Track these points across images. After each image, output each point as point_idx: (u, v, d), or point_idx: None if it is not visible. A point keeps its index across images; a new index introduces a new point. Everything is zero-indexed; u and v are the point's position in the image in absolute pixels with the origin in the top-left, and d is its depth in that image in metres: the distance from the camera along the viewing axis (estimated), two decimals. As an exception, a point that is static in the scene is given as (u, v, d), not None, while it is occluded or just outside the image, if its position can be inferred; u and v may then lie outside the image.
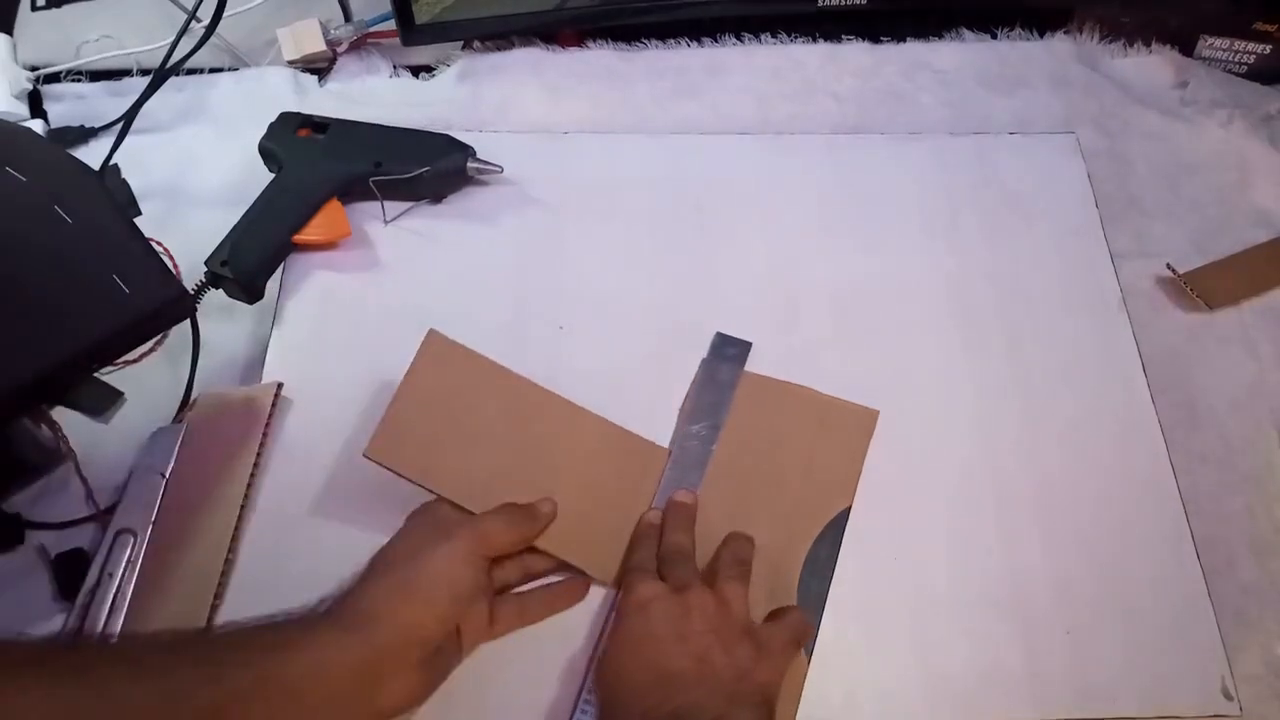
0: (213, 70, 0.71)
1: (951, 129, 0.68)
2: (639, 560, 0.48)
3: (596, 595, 0.49)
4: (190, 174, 0.65)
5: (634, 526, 0.51)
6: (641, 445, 0.53)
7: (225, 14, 0.62)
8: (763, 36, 0.73)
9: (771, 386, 0.55)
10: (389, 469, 0.48)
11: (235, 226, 0.58)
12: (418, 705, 0.44)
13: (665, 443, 0.54)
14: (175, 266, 0.58)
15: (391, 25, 0.68)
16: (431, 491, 0.48)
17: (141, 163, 0.61)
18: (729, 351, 0.57)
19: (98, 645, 0.40)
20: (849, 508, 0.52)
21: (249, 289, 0.57)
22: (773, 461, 0.53)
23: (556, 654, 0.48)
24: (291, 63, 0.71)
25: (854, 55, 0.72)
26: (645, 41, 0.73)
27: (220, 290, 0.58)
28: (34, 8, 0.74)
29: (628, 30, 0.72)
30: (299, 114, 0.64)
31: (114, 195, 0.51)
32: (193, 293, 0.56)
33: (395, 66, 0.72)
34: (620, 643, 0.45)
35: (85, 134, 0.66)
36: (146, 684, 0.36)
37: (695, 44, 0.73)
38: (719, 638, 0.43)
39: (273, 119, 0.63)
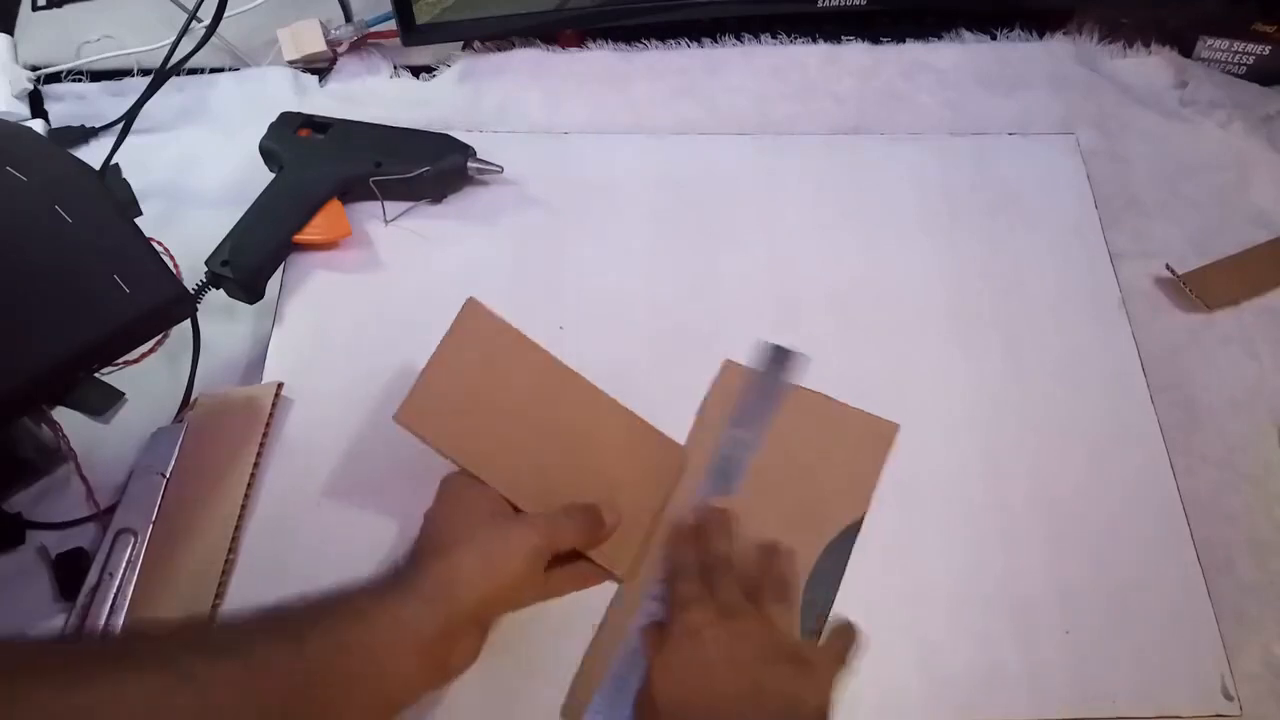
0: (213, 70, 0.71)
1: (951, 129, 0.68)
2: (684, 580, 0.48)
3: (604, 586, 0.50)
4: (191, 174, 0.65)
5: (648, 521, 0.51)
6: (662, 441, 0.53)
7: (226, 14, 0.62)
8: (763, 36, 0.73)
9: (801, 396, 0.56)
10: (416, 435, 0.47)
11: (235, 226, 0.58)
12: (474, 662, 0.44)
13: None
14: (175, 266, 0.58)
15: (392, 25, 0.68)
16: (454, 463, 0.48)
17: (142, 163, 0.61)
18: (784, 363, 0.56)
19: (177, 629, 0.40)
20: (862, 518, 0.52)
21: (249, 289, 0.57)
22: (792, 468, 0.53)
23: (556, 646, 0.48)
24: (292, 63, 0.71)
25: (854, 55, 0.72)
26: (645, 41, 0.73)
27: (220, 290, 0.58)
28: (34, 8, 0.74)
29: (628, 30, 0.73)
30: (299, 114, 0.64)
31: (114, 195, 0.51)
32: (193, 293, 0.56)
33: (395, 66, 0.72)
34: (671, 668, 0.45)
35: (86, 134, 0.66)
36: (228, 661, 0.36)
37: (695, 44, 0.73)
38: (770, 665, 0.44)
39: (273, 119, 0.63)
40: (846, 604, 0.50)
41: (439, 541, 0.44)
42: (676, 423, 0.54)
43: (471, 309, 0.51)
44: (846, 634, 0.47)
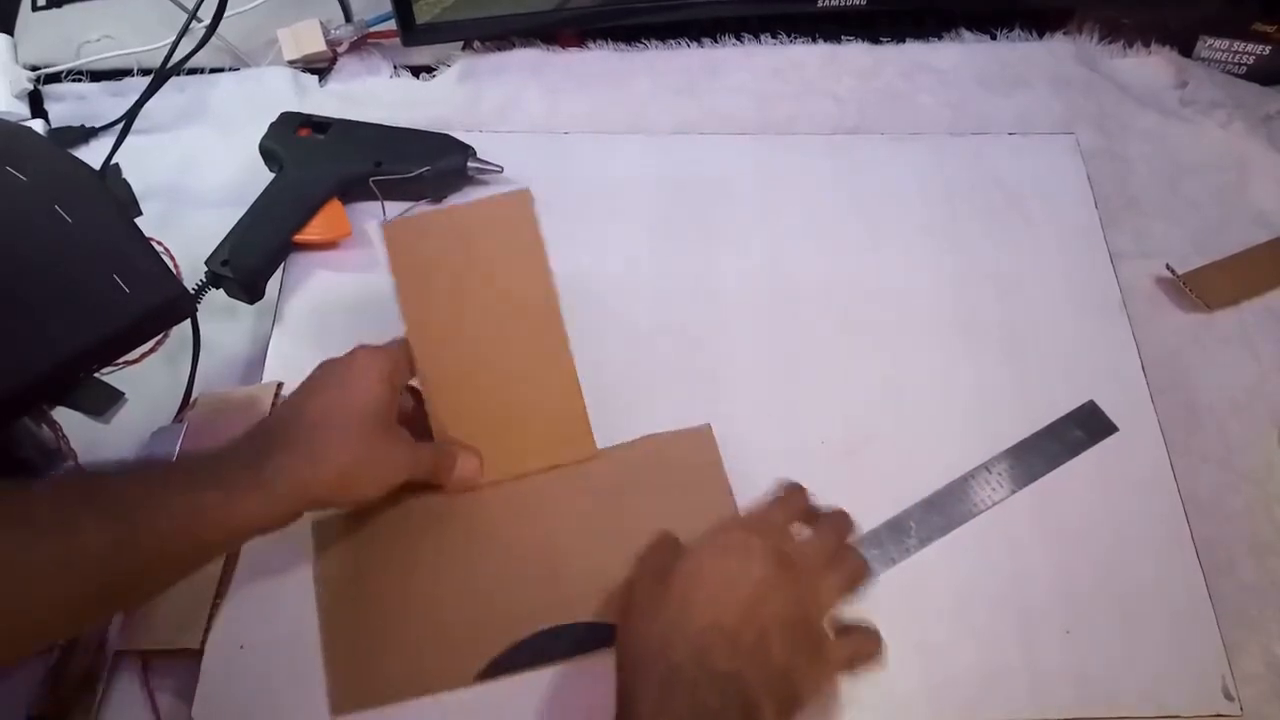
0: (213, 70, 0.71)
1: (951, 129, 0.68)
2: (759, 510, 0.47)
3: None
4: (191, 174, 0.65)
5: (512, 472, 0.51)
6: (579, 427, 0.52)
7: (226, 14, 0.62)
8: (763, 36, 0.73)
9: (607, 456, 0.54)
10: (389, 252, 0.49)
11: (235, 226, 0.58)
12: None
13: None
14: (176, 266, 0.58)
15: (392, 25, 0.68)
16: (400, 310, 0.49)
17: (142, 163, 0.61)
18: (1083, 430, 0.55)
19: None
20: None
21: (249, 289, 0.57)
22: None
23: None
24: (292, 63, 0.71)
25: (854, 55, 0.72)
26: (645, 41, 0.73)
27: (220, 290, 0.58)
28: (34, 8, 0.74)
29: (628, 30, 0.73)
30: (299, 114, 0.64)
31: (114, 195, 0.51)
32: (193, 293, 0.57)
33: (395, 66, 0.72)
34: (700, 568, 0.42)
35: (86, 134, 0.66)
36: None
37: (695, 44, 0.73)
38: (791, 626, 0.40)
39: (273, 119, 0.63)
40: (846, 603, 0.49)
41: (308, 430, 0.44)
42: (676, 423, 0.54)
43: (523, 198, 0.51)
44: (869, 643, 0.44)
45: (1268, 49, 0.71)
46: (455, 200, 0.63)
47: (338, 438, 0.44)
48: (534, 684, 0.46)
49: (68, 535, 0.37)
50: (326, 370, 0.47)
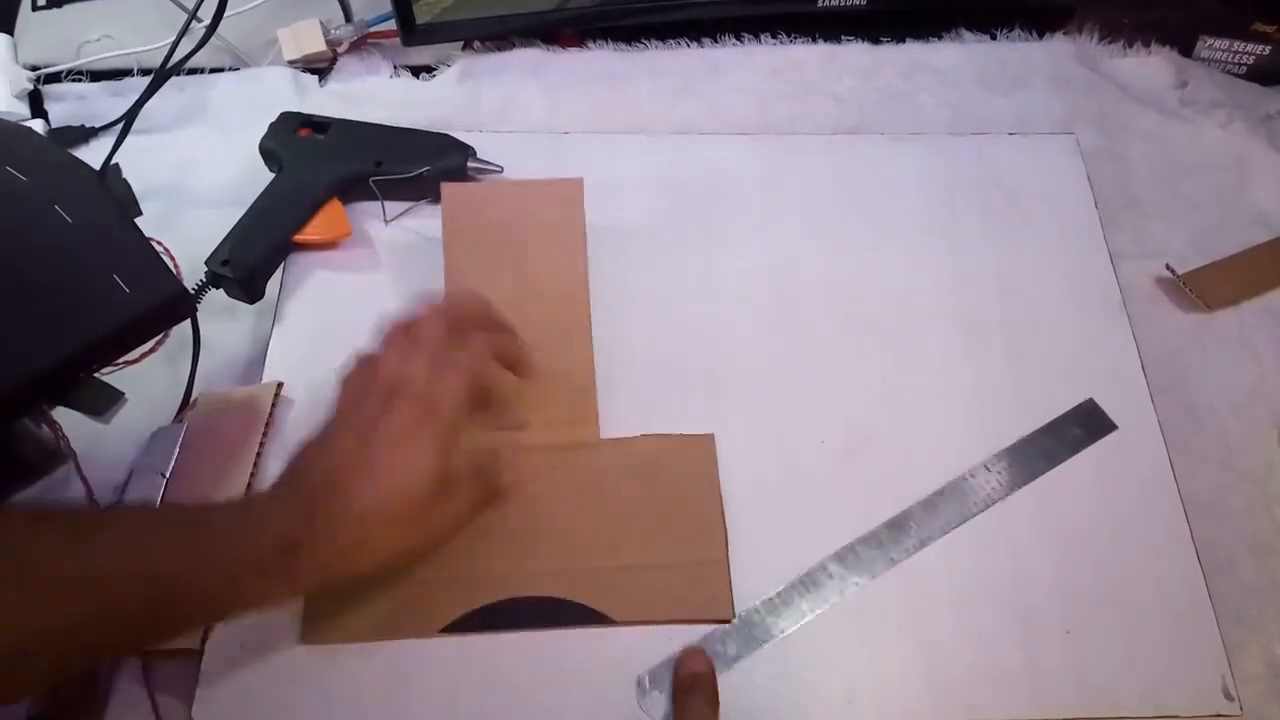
0: (213, 70, 0.71)
1: (951, 129, 0.68)
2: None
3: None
4: (190, 174, 0.65)
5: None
6: (586, 407, 0.54)
7: (225, 14, 0.62)
8: (763, 36, 0.73)
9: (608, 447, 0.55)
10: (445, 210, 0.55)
11: (235, 226, 0.58)
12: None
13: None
14: (175, 266, 0.58)
15: (392, 25, 0.68)
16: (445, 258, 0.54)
17: (142, 163, 0.61)
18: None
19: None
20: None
21: (249, 289, 0.57)
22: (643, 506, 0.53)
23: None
24: (292, 63, 0.71)
25: (854, 55, 0.72)
26: (645, 41, 0.73)
27: (220, 290, 0.58)
28: (34, 8, 0.74)
29: (628, 30, 0.73)
30: (299, 114, 0.64)
31: (114, 195, 0.51)
32: (193, 293, 0.56)
33: (395, 66, 0.72)
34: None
35: (86, 134, 0.66)
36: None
37: (695, 44, 0.73)
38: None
39: (273, 119, 0.63)
40: (847, 604, 0.50)
41: (353, 526, 0.42)
42: (673, 421, 0.54)
43: (576, 185, 0.56)
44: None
45: (1268, 49, 0.71)
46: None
47: (380, 535, 0.43)
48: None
49: (112, 594, 0.37)
50: (376, 437, 0.43)
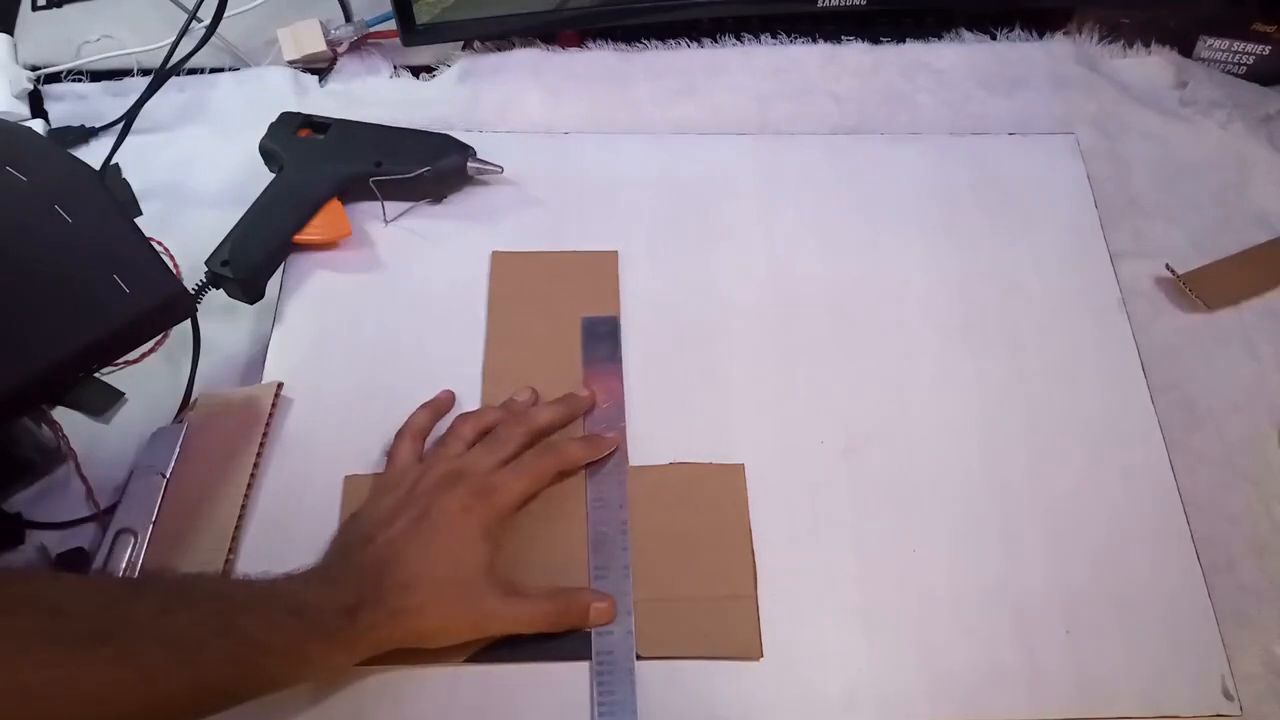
0: (213, 70, 0.71)
1: (951, 129, 0.68)
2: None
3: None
4: (191, 174, 0.65)
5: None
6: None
7: (226, 14, 0.62)
8: (763, 36, 0.73)
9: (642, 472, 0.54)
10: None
11: (235, 226, 0.58)
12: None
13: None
14: (176, 266, 0.58)
15: (392, 25, 0.68)
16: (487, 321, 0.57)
17: (142, 163, 0.61)
18: None
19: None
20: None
21: (249, 289, 0.57)
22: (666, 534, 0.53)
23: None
24: (292, 63, 0.71)
25: (854, 55, 0.72)
26: (645, 41, 0.73)
27: (220, 290, 0.58)
28: (34, 8, 0.74)
29: (628, 30, 0.73)
30: (299, 114, 0.64)
31: (114, 195, 0.51)
32: (193, 293, 0.56)
33: (396, 66, 0.72)
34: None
35: (86, 134, 0.66)
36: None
37: (695, 44, 0.73)
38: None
39: (273, 119, 0.63)
40: (847, 604, 0.50)
41: (399, 591, 0.44)
42: (673, 423, 0.54)
43: (610, 259, 0.60)
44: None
45: (1268, 49, 0.71)
46: (456, 200, 0.63)
47: (425, 601, 0.44)
48: (518, 674, 0.47)
49: (197, 662, 0.38)
50: (435, 510, 0.46)
